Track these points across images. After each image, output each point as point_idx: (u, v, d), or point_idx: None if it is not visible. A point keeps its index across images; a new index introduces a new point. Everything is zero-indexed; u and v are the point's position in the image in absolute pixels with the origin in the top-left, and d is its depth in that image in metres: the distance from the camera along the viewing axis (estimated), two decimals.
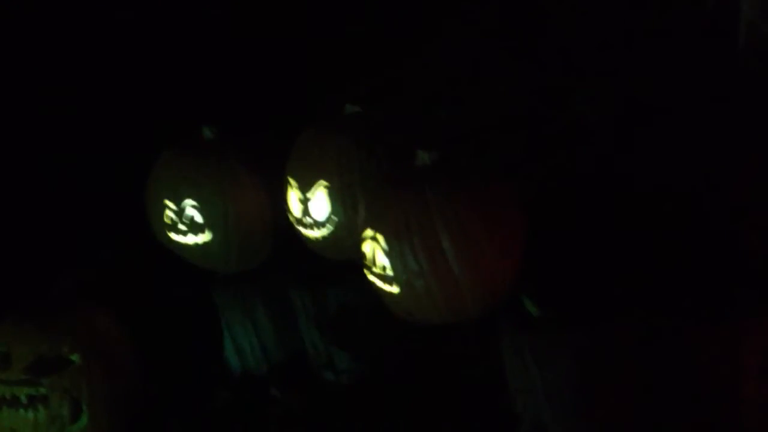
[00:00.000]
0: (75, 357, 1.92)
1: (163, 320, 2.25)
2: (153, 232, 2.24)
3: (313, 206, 2.08)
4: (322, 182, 2.05)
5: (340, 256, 2.14)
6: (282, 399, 2.21)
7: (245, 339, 2.29)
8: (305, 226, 2.11)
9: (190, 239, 2.17)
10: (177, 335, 2.26)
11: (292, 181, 2.11)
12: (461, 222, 1.84)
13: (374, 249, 1.90)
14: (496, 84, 2.32)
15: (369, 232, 1.91)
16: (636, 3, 2.09)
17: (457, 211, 1.84)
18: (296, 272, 2.21)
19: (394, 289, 1.90)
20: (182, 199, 2.14)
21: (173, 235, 2.19)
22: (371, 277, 1.94)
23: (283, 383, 2.25)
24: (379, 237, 1.88)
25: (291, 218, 2.15)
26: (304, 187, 2.08)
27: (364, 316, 2.12)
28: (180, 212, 2.15)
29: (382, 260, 1.89)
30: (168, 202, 2.16)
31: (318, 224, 2.09)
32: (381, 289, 1.93)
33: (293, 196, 2.12)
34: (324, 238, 2.10)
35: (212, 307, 2.28)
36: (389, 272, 1.88)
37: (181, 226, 2.16)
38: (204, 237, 2.17)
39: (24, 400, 1.88)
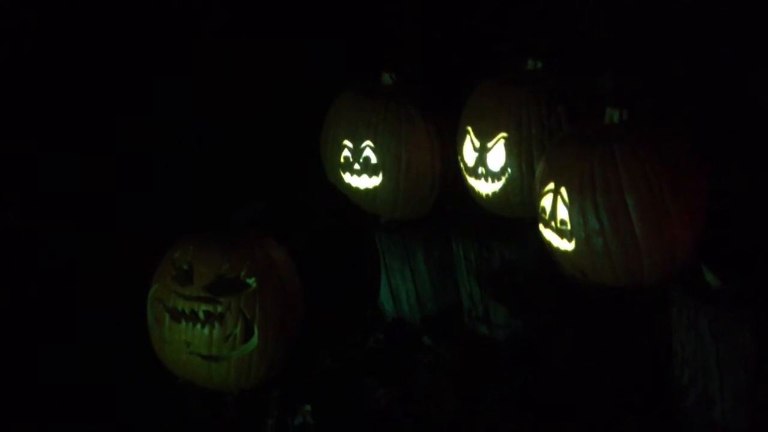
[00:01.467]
0: (251, 281, 1.99)
1: (327, 257, 2.30)
2: (324, 172, 2.29)
3: (489, 157, 2.08)
4: (502, 134, 2.05)
5: (507, 212, 2.14)
6: (434, 348, 2.23)
7: (402, 285, 2.32)
8: (477, 176, 2.11)
9: (363, 181, 2.21)
10: (337, 274, 2.31)
11: (470, 130, 2.11)
12: (649, 181, 1.80)
13: (554, 203, 1.88)
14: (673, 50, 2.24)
15: (550, 186, 1.89)
16: None
17: (645, 170, 1.81)
18: (461, 224, 2.22)
19: (570, 246, 1.88)
20: (361, 141, 2.18)
21: (346, 176, 2.24)
22: (546, 233, 1.93)
23: (436, 333, 2.27)
24: (562, 191, 1.86)
25: (463, 168, 2.16)
26: (483, 137, 2.08)
27: (527, 274, 2.11)
28: (357, 153, 2.19)
29: (562, 214, 1.87)
30: (347, 142, 2.20)
31: (492, 176, 2.09)
32: (555, 246, 1.92)
33: (469, 145, 2.12)
34: (495, 192, 2.10)
35: (373, 250, 2.32)
36: (567, 227, 1.86)
37: (357, 167, 2.20)
38: (376, 180, 2.20)
39: (201, 316, 1.97)
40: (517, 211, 2.10)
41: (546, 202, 1.91)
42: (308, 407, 1.98)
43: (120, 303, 2.15)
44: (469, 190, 2.16)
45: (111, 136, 2.35)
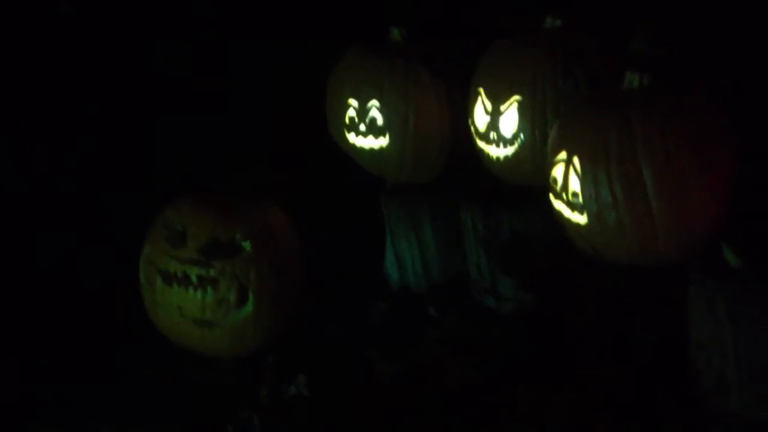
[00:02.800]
0: (247, 245, 1.92)
1: (329, 223, 2.22)
2: (329, 131, 2.20)
3: (503, 121, 1.96)
4: (516, 97, 1.93)
5: (519, 180, 2.03)
6: (440, 319, 2.15)
7: (408, 253, 2.23)
8: (489, 142, 2.00)
9: (369, 142, 2.12)
10: (340, 240, 2.23)
11: (481, 92, 2.00)
12: (668, 153, 1.68)
13: (567, 173, 1.77)
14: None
15: (562, 155, 1.78)
16: None
17: (665, 139, 1.68)
18: (470, 191, 2.12)
19: (582, 220, 1.77)
20: (366, 100, 2.08)
21: (351, 137, 2.14)
22: (558, 205, 1.82)
23: (442, 304, 2.19)
24: (574, 160, 1.75)
25: (473, 132, 2.04)
26: (495, 100, 1.96)
27: (538, 246, 2.01)
28: (363, 113, 2.09)
29: (574, 186, 1.76)
30: (352, 101, 2.10)
31: (504, 141, 1.97)
32: (566, 219, 1.81)
33: (480, 107, 2.01)
34: (506, 157, 1.99)
35: (378, 216, 2.23)
36: (579, 200, 1.75)
37: (362, 128, 2.10)
38: (382, 141, 2.10)
39: (194, 279, 1.90)
40: (529, 179, 1.99)
41: (557, 172, 1.79)
42: (303, 378, 1.92)
43: (119, 263, 2.09)
44: (480, 155, 2.05)
45: (115, 93, 2.27)
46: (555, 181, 1.80)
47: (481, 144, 2.03)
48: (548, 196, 1.85)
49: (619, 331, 1.87)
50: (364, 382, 1.95)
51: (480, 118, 2.02)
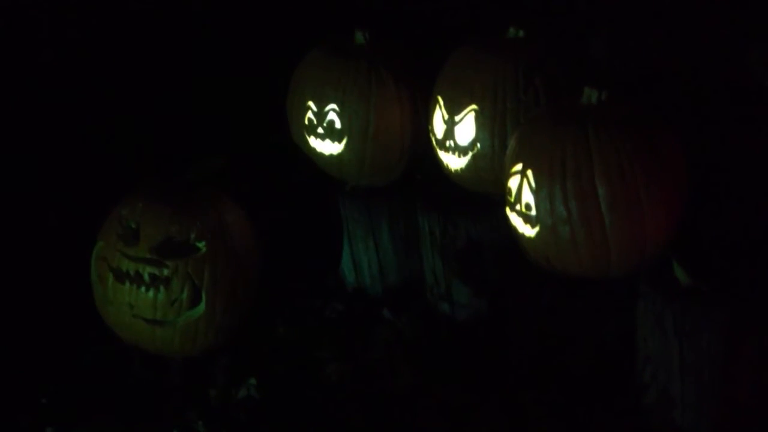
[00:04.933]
0: (202, 245, 1.90)
1: (287, 222, 2.21)
2: (290, 132, 2.18)
3: (458, 130, 1.96)
4: (473, 106, 1.93)
5: (477, 188, 2.04)
6: (393, 322, 2.16)
7: (364, 255, 2.23)
8: (446, 150, 2.01)
9: (327, 146, 2.11)
10: (298, 239, 2.22)
11: (440, 100, 2.00)
12: (623, 170, 1.70)
13: (521, 185, 1.78)
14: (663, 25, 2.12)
15: (518, 167, 1.79)
16: None
17: (620, 158, 1.70)
18: (429, 196, 2.12)
19: (535, 232, 1.78)
20: (326, 103, 2.06)
21: (311, 139, 2.13)
22: (512, 216, 1.83)
23: (397, 306, 2.19)
24: (529, 173, 1.76)
25: (433, 139, 2.05)
26: (452, 109, 1.96)
27: (493, 254, 2.02)
28: (322, 116, 2.08)
29: (528, 198, 1.77)
30: (311, 104, 2.09)
31: (460, 150, 1.98)
32: (519, 230, 1.82)
33: (438, 116, 2.01)
34: (462, 167, 2.00)
35: (337, 217, 2.22)
36: (533, 213, 1.76)
37: (320, 131, 2.09)
38: (341, 145, 2.09)
39: (147, 278, 1.88)
40: (487, 188, 2.00)
41: (513, 183, 1.80)
42: (253, 380, 1.91)
43: (69, 257, 2.06)
44: (439, 163, 2.06)
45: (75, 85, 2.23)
46: (510, 191, 1.81)
47: (440, 152, 2.04)
48: (504, 206, 1.86)
49: (568, 341, 1.89)
50: (312, 383, 1.95)
51: (438, 126, 2.02)
